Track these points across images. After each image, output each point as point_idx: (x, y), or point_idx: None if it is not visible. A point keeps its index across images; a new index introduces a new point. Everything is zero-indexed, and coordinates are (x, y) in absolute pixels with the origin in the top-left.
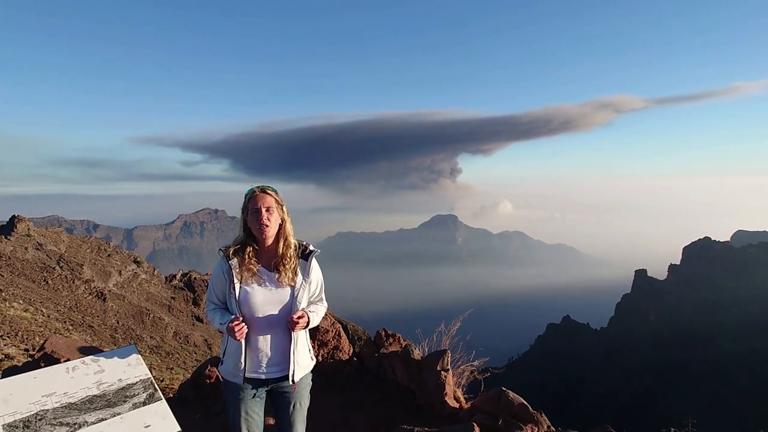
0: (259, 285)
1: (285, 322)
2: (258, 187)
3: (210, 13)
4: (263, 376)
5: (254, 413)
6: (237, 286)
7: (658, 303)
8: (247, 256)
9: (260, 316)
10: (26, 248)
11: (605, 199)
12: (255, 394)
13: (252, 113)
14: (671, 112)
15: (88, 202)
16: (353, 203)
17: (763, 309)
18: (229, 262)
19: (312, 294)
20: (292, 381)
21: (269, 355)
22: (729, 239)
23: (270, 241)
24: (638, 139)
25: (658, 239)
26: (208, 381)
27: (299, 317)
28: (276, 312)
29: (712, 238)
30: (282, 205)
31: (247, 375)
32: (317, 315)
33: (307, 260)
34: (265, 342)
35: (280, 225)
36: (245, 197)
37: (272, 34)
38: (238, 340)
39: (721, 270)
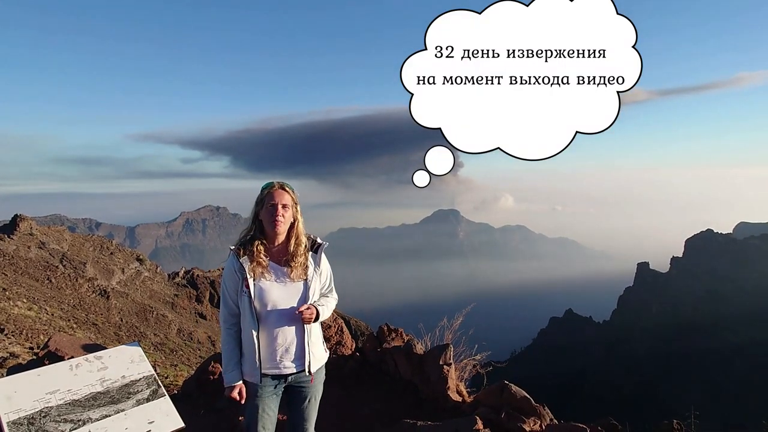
0: (273, 280)
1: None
2: (277, 182)
3: (208, 7)
4: (284, 371)
5: (270, 410)
6: (251, 283)
7: (661, 295)
8: (256, 250)
9: (276, 311)
10: (29, 247)
11: (607, 192)
12: (273, 391)
13: (251, 109)
14: (674, 103)
15: (90, 201)
16: (355, 198)
17: (765, 300)
18: (240, 259)
19: (323, 286)
20: (309, 372)
21: (288, 349)
22: (731, 231)
23: (281, 238)
24: (641, 130)
25: (661, 232)
26: (211, 377)
27: (306, 309)
28: (292, 306)
29: (715, 230)
30: (297, 204)
31: (264, 371)
32: (328, 307)
33: (317, 253)
34: (283, 337)
35: (292, 223)
36: (262, 190)
37: (271, 28)
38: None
39: (723, 262)
